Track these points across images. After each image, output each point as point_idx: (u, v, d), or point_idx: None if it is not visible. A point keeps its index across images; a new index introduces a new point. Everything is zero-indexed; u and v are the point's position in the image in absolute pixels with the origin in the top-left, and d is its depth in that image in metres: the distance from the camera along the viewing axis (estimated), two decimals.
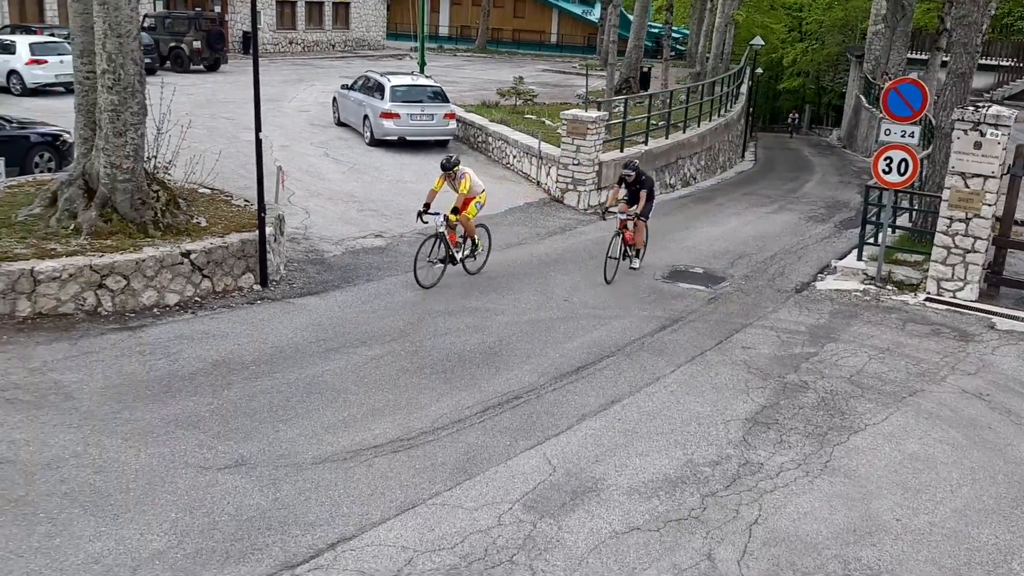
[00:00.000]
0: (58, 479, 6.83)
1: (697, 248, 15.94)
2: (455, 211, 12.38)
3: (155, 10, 36.62)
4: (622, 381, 9.55)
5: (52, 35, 27.97)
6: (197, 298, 10.87)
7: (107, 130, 10.79)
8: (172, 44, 32.21)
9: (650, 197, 13.58)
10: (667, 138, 22.05)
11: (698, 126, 24.41)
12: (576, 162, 18.28)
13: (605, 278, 12.97)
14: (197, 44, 32.28)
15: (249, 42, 40.35)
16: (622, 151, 19.64)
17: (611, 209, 13.54)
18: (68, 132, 15.26)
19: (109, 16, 10.42)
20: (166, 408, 8.10)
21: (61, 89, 25.11)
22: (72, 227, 10.84)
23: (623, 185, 13.48)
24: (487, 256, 13.22)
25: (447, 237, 12.36)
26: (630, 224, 13.37)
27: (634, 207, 13.33)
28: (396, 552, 6.30)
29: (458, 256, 12.64)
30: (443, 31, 60.08)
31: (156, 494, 6.76)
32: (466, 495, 7.09)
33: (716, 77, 31.22)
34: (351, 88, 22.75)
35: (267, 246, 11.60)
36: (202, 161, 13.86)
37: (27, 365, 8.66)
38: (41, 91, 24.82)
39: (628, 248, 13.57)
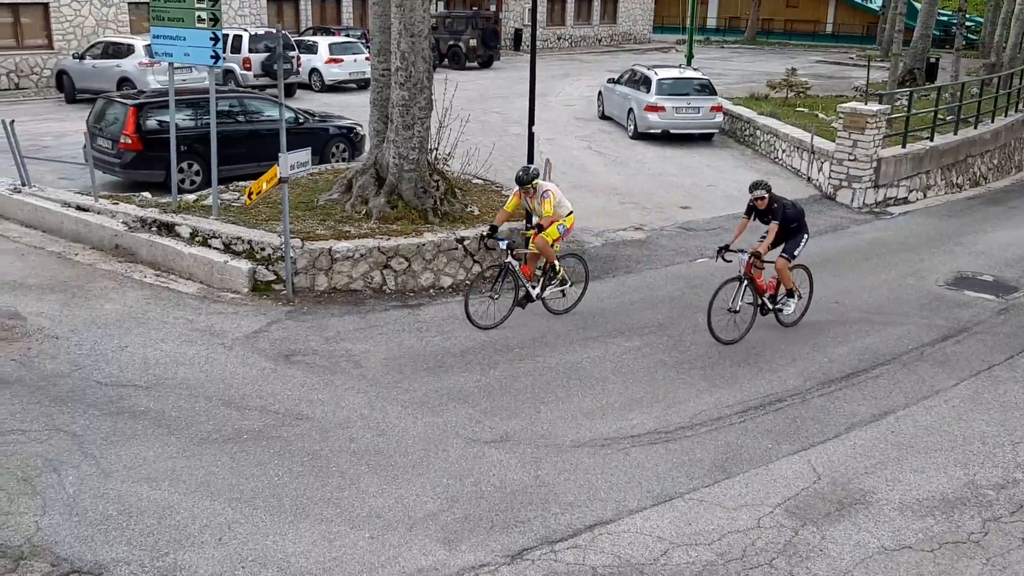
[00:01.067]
0: (347, 438, 7.55)
1: (987, 254, 14.57)
2: (539, 228, 10.07)
3: (436, 10, 38.95)
4: (897, 392, 8.97)
5: (348, 36, 30.65)
6: (467, 282, 11.52)
7: (397, 123, 11.70)
8: (451, 43, 34.14)
9: (798, 230, 9.99)
10: (955, 134, 20.27)
11: (991, 122, 22.21)
12: (852, 158, 17.30)
13: (715, 336, 9.74)
14: (473, 42, 34.01)
15: (520, 39, 41.92)
16: (904, 147, 18.34)
17: (731, 247, 9.81)
18: (360, 125, 16.69)
19: (404, 17, 11.27)
20: (439, 381, 8.69)
21: (353, 85, 27.51)
22: (364, 212, 11.87)
23: (753, 215, 10.00)
24: (583, 292, 10.79)
25: (516, 268, 10.08)
26: (766, 268, 10.01)
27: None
28: (652, 542, 6.36)
29: (534, 292, 10.27)
30: (711, 23, 58.93)
31: (430, 460, 7.28)
32: (724, 494, 7.01)
33: (1014, 68, 28.23)
34: (617, 82, 23.00)
35: None
36: (476, 154, 14.63)
37: (323, 334, 9.62)
38: (336, 87, 27.30)
39: (764, 299, 10.12)
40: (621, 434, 7.88)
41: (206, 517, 6.35)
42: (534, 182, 9.96)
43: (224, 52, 12.80)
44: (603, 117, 23.59)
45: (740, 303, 9.79)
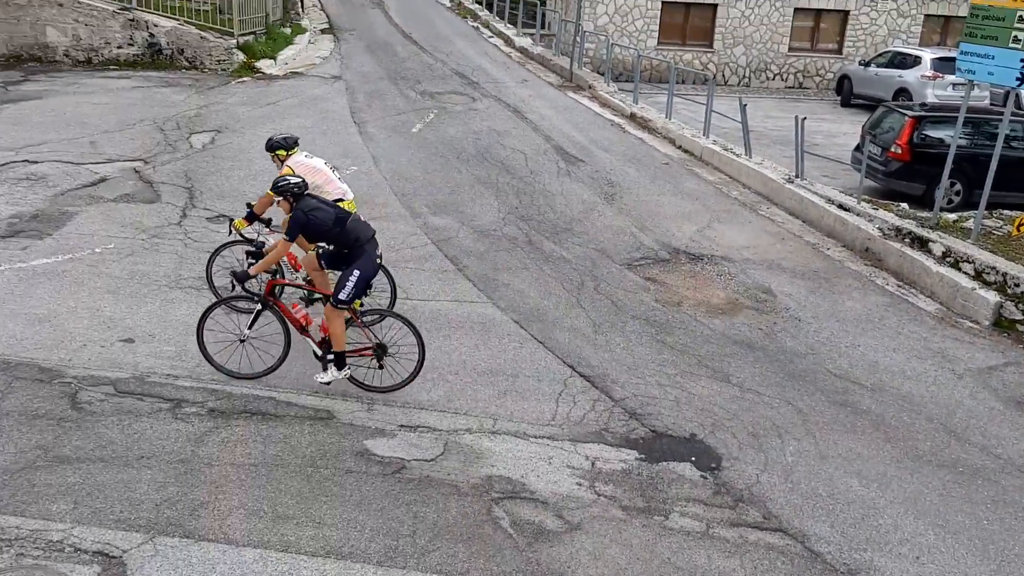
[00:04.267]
0: None
1: None
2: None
3: None
4: None
5: None
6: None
7: None
8: None
9: (348, 260, 7.28)
10: None
11: None
12: None
13: (210, 360, 7.57)
14: None
15: None
16: None
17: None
18: None
19: None
20: None
21: None
22: None
23: None
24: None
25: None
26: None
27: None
28: None
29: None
30: None
31: None
32: None
33: None
34: None
35: None
36: None
37: None
38: None
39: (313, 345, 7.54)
40: None
41: (907, 531, 6.36)
42: (278, 152, 8.28)
43: None
44: None
45: (248, 332, 7.42)
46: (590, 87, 21.75)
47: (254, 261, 7.49)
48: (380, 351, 7.49)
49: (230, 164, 13.56)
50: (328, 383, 7.41)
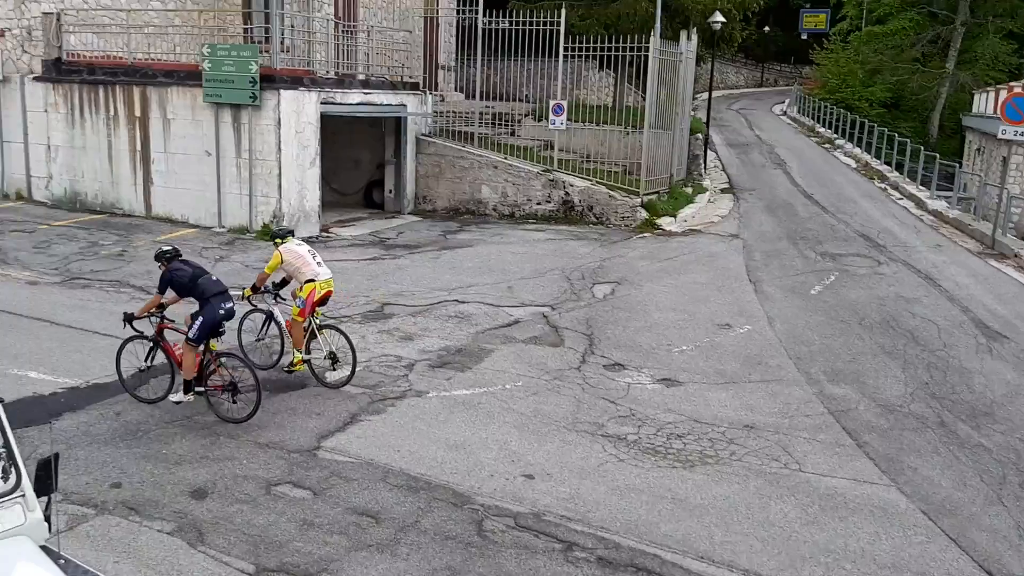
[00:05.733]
0: None
1: None
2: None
3: None
4: None
5: None
6: None
7: None
8: None
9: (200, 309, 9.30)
10: None
11: None
12: None
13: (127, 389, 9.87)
14: None
15: None
16: None
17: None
18: None
19: None
20: None
21: None
22: None
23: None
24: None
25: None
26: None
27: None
28: None
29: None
30: None
31: None
32: None
33: None
34: None
35: None
36: None
37: None
38: None
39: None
40: None
41: None
42: (276, 239, 10.44)
43: None
44: None
45: (145, 364, 9.66)
46: (1015, 256, 19.70)
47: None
48: (232, 388, 9.16)
49: (627, 315, 14.21)
50: (178, 402, 9.44)
